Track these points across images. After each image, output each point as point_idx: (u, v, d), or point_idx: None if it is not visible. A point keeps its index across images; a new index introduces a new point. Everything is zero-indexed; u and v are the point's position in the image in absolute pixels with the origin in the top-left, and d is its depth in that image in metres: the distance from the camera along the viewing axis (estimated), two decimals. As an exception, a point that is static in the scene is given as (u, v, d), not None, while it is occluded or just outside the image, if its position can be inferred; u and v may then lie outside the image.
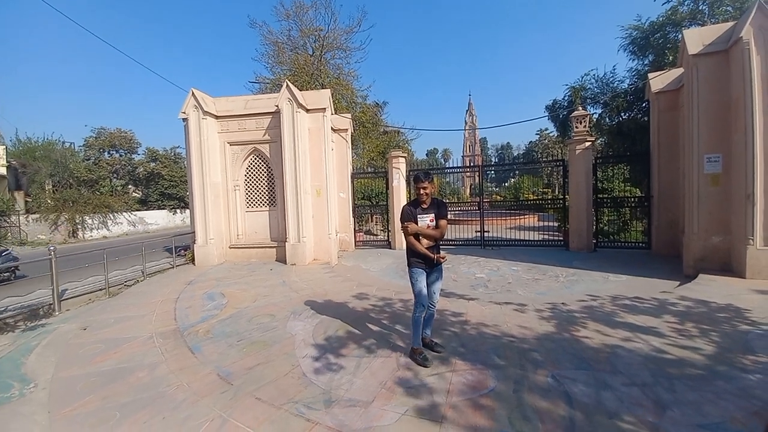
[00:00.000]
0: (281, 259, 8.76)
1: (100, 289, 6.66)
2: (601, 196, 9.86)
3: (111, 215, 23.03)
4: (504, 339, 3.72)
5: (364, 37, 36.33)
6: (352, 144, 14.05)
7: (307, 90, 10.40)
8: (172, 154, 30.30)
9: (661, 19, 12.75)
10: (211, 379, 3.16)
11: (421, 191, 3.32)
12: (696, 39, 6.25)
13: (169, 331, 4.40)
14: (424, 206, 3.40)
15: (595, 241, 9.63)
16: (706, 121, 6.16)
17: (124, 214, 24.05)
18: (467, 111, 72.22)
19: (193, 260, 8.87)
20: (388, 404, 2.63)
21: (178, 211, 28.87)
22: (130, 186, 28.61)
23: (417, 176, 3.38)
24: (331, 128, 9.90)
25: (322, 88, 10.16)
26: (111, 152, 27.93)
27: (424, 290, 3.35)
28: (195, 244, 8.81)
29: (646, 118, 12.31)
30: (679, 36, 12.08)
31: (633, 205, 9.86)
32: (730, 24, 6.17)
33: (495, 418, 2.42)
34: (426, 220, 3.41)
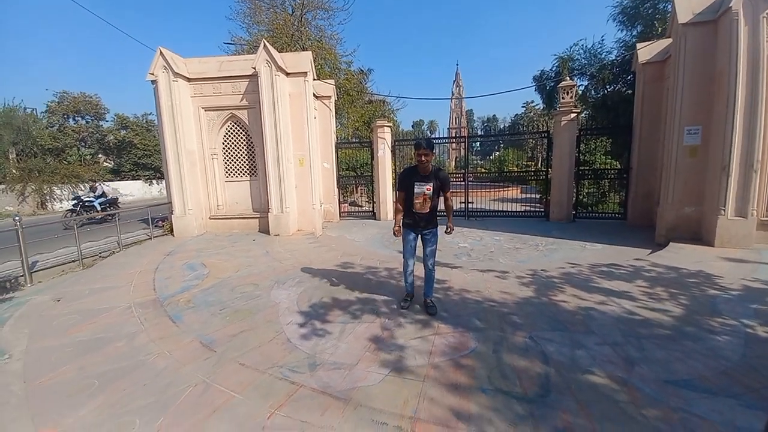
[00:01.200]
0: (264, 230, 8.61)
1: (73, 261, 6.41)
2: (582, 168, 10.01)
3: (81, 186, 21.92)
4: (485, 304, 3.82)
5: (348, -2, 34.16)
6: (336, 113, 13.56)
7: (287, 52, 9.81)
8: (144, 121, 28.64)
9: (652, -14, 12.48)
10: (194, 347, 3.13)
11: (423, 158, 3.31)
12: (686, 7, 6.15)
13: (148, 301, 4.30)
14: (424, 173, 3.39)
15: (574, 212, 9.88)
16: (690, 93, 6.20)
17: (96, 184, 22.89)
18: (454, 81, 70.70)
19: (171, 231, 8.60)
20: (372, 366, 2.68)
21: (154, 181, 27.73)
22: (100, 155, 27.09)
23: (418, 143, 3.35)
24: (314, 95, 9.47)
25: (303, 51, 9.59)
26: (76, 119, 26.12)
27: (409, 246, 3.68)
28: (173, 215, 8.51)
29: (630, 91, 12.35)
30: (668, 6, 11.95)
31: (612, 177, 10.09)
32: (721, -8, 6.08)
33: (475, 376, 2.50)
34: (423, 188, 3.40)
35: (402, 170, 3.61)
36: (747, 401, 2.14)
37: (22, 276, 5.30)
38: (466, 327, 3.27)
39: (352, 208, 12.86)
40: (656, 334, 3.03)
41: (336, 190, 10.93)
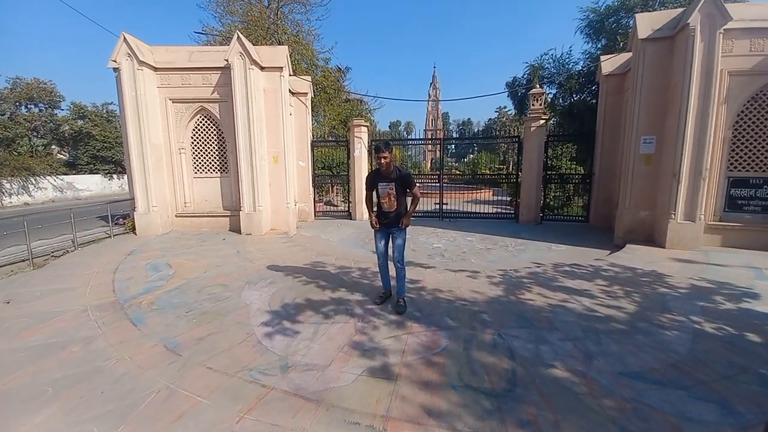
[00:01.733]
0: (235, 228, 8.35)
1: (23, 260, 5.92)
2: (549, 173, 10.47)
3: (33, 179, 20.27)
4: (457, 303, 3.92)
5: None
6: (312, 110, 13.37)
7: (262, 46, 9.56)
8: (104, 111, 26.88)
9: (615, 3, 13.26)
10: (157, 351, 3.00)
11: (382, 160, 3.49)
12: (647, 23, 6.58)
13: (107, 303, 4.06)
14: (386, 174, 3.54)
15: (541, 214, 10.32)
16: (647, 105, 6.65)
17: (49, 178, 21.26)
18: (431, 84, 71.62)
19: (133, 229, 8.15)
20: (345, 366, 2.68)
21: (114, 176, 26.10)
22: (53, 146, 25.16)
23: (377, 146, 3.55)
24: (290, 91, 9.29)
25: (279, 45, 9.36)
26: (29, 106, 24.07)
27: (378, 244, 3.85)
28: (135, 212, 8.07)
29: (594, 101, 13.05)
30: (631, 22, 12.74)
31: (576, 182, 10.62)
32: (680, 10, 6.53)
33: (446, 373, 2.57)
34: (387, 188, 3.53)
35: (368, 173, 3.77)
36: (696, 393, 2.33)
37: (-40, 276, 4.84)
38: (438, 326, 3.34)
39: (328, 207, 12.74)
40: (612, 330, 3.24)
41: (311, 189, 10.78)
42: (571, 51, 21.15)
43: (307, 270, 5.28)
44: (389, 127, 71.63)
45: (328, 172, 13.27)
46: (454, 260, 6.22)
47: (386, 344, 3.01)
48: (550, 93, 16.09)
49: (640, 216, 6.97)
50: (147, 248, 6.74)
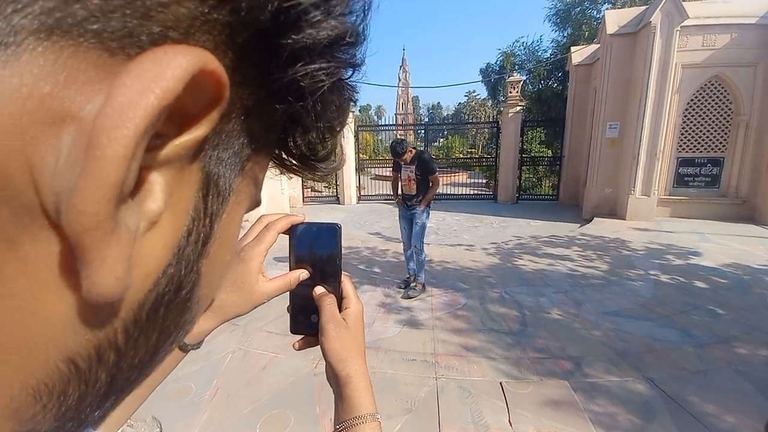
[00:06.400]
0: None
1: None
2: (523, 156, 11.35)
3: None
4: (464, 270, 4.53)
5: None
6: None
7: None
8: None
9: (581, -6, 14.14)
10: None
11: (401, 162, 3.65)
12: (614, 20, 7.35)
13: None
14: (406, 162, 3.79)
15: (517, 194, 11.23)
16: (613, 93, 7.50)
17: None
18: (401, 67, 71.32)
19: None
20: (387, 323, 3.20)
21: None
22: None
23: (394, 149, 3.62)
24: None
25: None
26: None
27: (403, 232, 3.95)
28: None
29: (561, 87, 14.06)
30: (594, 13, 13.72)
31: (547, 163, 11.61)
32: (643, 8, 7.33)
33: (471, 322, 3.16)
34: (407, 171, 3.86)
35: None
36: (661, 323, 3.09)
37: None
38: (453, 288, 3.94)
39: (314, 193, 12.97)
40: (592, 283, 3.99)
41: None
42: (541, 39, 22.16)
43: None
44: (359, 111, 70.78)
45: (312, 158, 13.40)
46: (448, 237, 6.85)
47: (415, 305, 3.55)
48: (521, 79, 16.99)
49: (605, 193, 7.94)
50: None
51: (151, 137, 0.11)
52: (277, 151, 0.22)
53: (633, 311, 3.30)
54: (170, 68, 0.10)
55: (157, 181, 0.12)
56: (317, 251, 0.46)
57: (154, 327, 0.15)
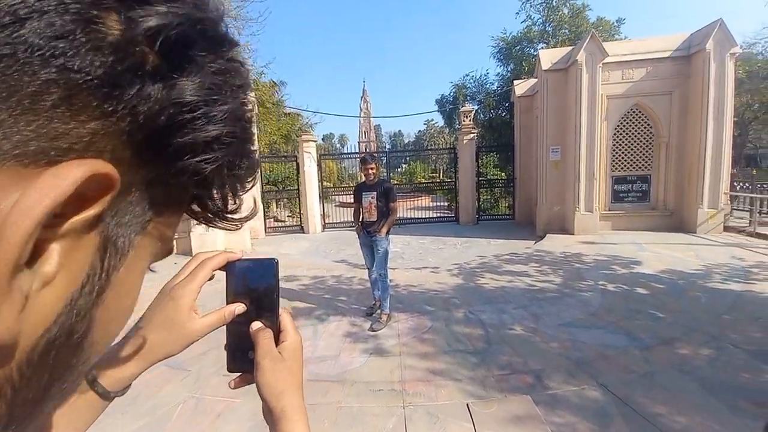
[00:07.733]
0: (186, 251, 7.99)
1: None
2: (480, 179, 12.00)
3: None
4: (429, 293, 4.59)
5: (263, 8, 33.12)
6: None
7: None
8: None
9: (519, 34, 15.77)
10: (161, 371, 3.07)
11: (369, 171, 3.77)
12: (548, 57, 8.25)
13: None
14: (370, 184, 3.87)
15: (477, 215, 11.74)
16: (552, 121, 8.27)
17: None
18: (362, 97, 73.62)
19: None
20: (353, 353, 3.12)
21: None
22: None
23: (364, 159, 3.86)
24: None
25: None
26: None
27: (366, 259, 4.01)
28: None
29: (509, 116, 15.24)
30: (532, 50, 15.29)
31: (501, 185, 12.36)
32: (570, 48, 8.32)
33: (437, 345, 3.18)
34: (368, 197, 3.91)
35: (356, 185, 4.10)
36: (609, 330, 3.31)
37: None
38: (419, 312, 3.96)
39: (276, 223, 12.66)
40: (548, 297, 4.21)
41: (261, 205, 10.70)
42: (488, 73, 24.12)
43: (282, 283, 5.48)
44: (323, 139, 71.51)
45: (274, 188, 13.21)
46: (414, 260, 6.95)
47: (382, 332, 3.51)
48: (472, 109, 18.27)
49: (554, 211, 8.54)
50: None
51: (54, 217, 0.14)
52: (194, 207, 0.27)
53: (585, 321, 3.51)
54: (66, 180, 0.14)
55: (55, 249, 0.16)
56: (254, 286, 0.46)
57: (45, 367, 0.18)
